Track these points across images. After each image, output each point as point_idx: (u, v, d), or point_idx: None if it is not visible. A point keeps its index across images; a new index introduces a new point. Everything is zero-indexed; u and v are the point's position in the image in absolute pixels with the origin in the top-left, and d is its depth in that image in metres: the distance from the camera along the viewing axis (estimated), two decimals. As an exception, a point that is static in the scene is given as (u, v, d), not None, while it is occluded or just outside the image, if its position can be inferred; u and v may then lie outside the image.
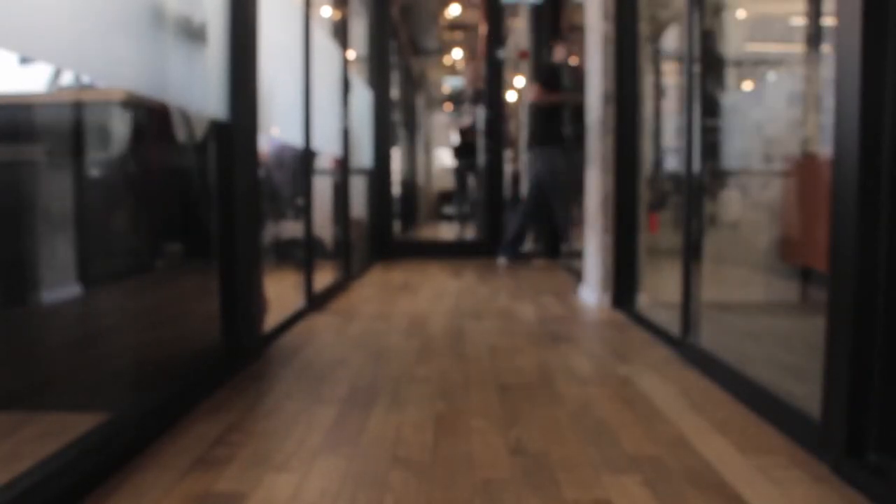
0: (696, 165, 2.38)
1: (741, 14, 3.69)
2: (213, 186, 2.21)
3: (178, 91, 1.91)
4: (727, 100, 3.43)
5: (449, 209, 8.72)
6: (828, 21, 3.04)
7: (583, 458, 1.51)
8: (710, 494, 1.34)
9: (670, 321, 2.56)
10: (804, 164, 3.16)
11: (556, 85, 5.05)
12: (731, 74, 3.51)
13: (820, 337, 1.48)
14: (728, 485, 1.38)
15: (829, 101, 1.74)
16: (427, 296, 3.76)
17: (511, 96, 8.33)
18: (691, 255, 2.39)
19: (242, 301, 2.24)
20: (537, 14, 6.27)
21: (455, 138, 7.71)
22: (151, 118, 2.22)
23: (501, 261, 5.25)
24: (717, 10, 3.38)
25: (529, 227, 5.47)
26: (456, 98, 6.19)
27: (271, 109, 2.73)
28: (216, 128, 2.18)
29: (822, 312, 1.48)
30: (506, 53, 6.19)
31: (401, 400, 1.91)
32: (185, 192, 2.36)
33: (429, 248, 6.13)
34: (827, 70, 2.93)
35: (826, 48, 3.04)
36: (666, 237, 3.27)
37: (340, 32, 4.30)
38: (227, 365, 2.15)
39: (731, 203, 3.40)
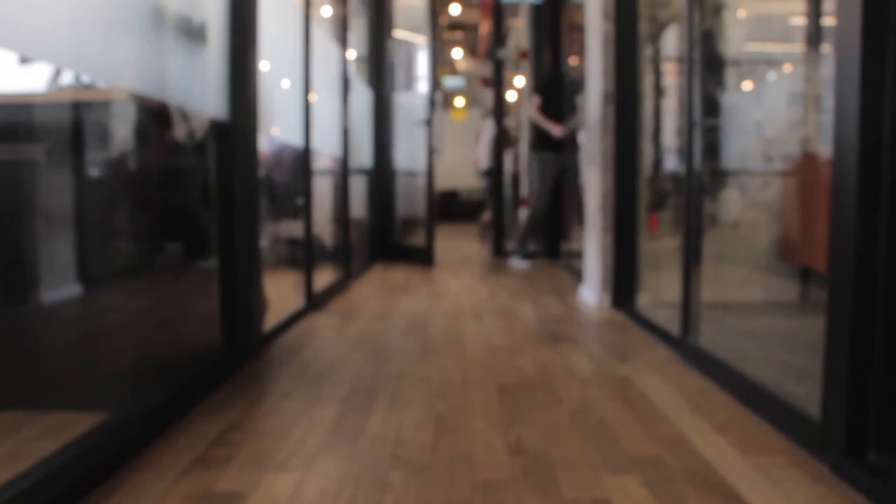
0: (697, 165, 2.38)
1: (741, 14, 3.69)
2: (212, 186, 2.21)
3: (178, 91, 1.91)
4: (727, 100, 3.43)
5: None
6: (828, 21, 3.04)
7: (582, 458, 1.51)
8: (710, 494, 1.34)
9: (670, 321, 2.56)
10: (804, 164, 3.16)
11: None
12: (731, 74, 3.51)
13: (819, 337, 1.48)
14: (728, 485, 1.38)
15: (829, 101, 1.74)
16: (427, 296, 3.76)
17: (511, 95, 8.33)
18: (691, 255, 2.39)
19: (242, 301, 2.24)
20: (537, 14, 6.28)
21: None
22: (151, 118, 2.22)
23: (519, 263, 5.17)
24: (717, 10, 3.38)
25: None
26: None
27: (271, 109, 2.73)
28: (216, 127, 2.19)
29: (821, 312, 1.48)
30: (506, 53, 6.18)
31: (401, 400, 1.91)
32: (185, 192, 2.36)
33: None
34: (827, 70, 2.93)
35: (826, 48, 3.04)
36: (666, 236, 3.27)
37: (340, 32, 4.30)
38: (227, 365, 2.15)
39: (730, 203, 3.40)
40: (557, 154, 5.11)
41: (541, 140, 5.12)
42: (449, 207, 11.14)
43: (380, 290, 3.98)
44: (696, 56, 2.37)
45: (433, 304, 3.49)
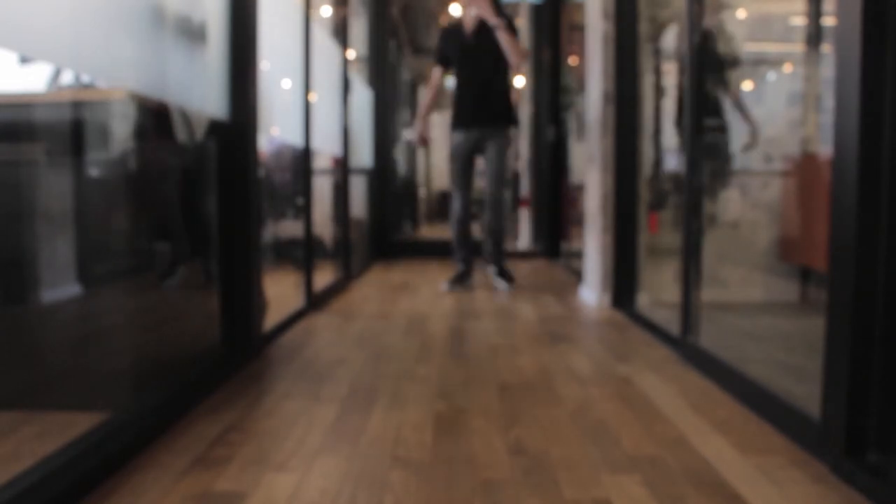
0: (696, 166, 2.38)
1: (741, 14, 3.69)
2: (212, 186, 2.21)
3: (178, 90, 1.91)
4: (727, 99, 3.43)
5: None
6: (828, 21, 3.04)
7: (582, 458, 1.51)
8: (710, 494, 1.34)
9: (670, 321, 2.56)
10: (804, 164, 3.17)
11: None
12: (730, 74, 3.51)
13: (819, 337, 1.48)
14: (728, 485, 1.38)
15: (829, 101, 1.74)
16: (427, 295, 3.76)
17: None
18: (691, 254, 2.39)
19: (242, 301, 2.24)
20: (537, 14, 6.28)
21: None
22: (151, 118, 2.22)
23: (500, 284, 3.99)
24: (718, 10, 3.38)
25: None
26: None
27: (271, 109, 2.73)
28: (216, 127, 2.19)
29: (821, 312, 1.48)
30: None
31: (401, 399, 1.91)
32: (185, 192, 2.36)
33: (428, 248, 6.12)
34: (827, 70, 2.93)
35: (826, 48, 3.04)
36: (665, 237, 3.28)
37: (340, 32, 4.30)
38: (227, 365, 2.15)
39: (730, 203, 3.40)
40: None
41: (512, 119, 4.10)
42: (448, 207, 11.17)
43: (380, 290, 3.98)
44: (695, 56, 2.37)
45: (433, 303, 3.49)
